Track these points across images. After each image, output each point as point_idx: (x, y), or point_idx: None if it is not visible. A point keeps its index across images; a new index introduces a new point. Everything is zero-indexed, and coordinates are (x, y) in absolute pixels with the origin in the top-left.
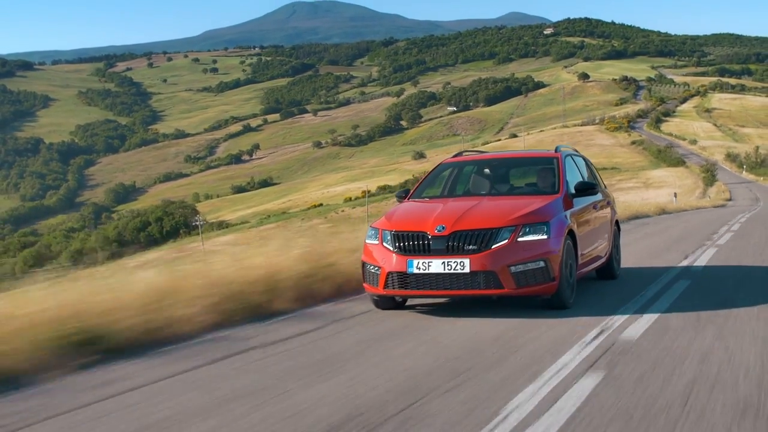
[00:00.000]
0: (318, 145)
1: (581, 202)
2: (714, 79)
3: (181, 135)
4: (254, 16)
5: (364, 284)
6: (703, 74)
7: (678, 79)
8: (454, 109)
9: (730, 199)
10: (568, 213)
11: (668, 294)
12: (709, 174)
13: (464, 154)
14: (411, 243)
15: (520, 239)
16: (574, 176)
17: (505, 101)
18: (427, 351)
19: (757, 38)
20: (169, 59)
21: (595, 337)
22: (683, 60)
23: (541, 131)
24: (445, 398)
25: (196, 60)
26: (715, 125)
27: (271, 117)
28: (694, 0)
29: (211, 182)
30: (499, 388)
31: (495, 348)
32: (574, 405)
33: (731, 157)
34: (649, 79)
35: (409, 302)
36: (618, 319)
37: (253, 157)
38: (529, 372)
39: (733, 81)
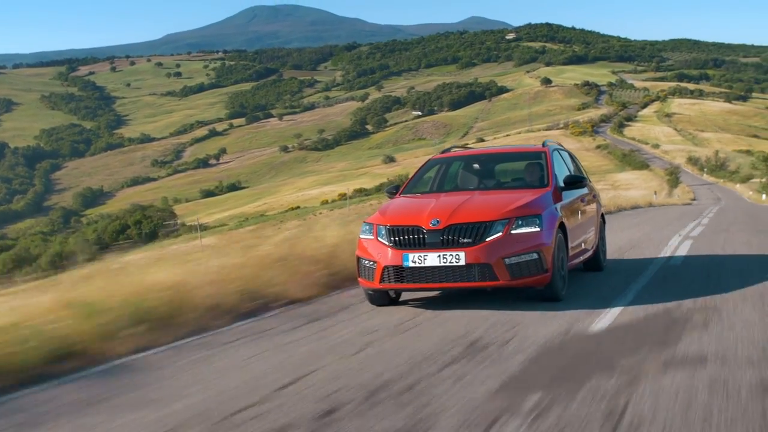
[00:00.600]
0: (285, 149)
1: (570, 196)
2: (673, 84)
3: (146, 139)
4: (215, 20)
5: (359, 279)
6: (662, 79)
7: (638, 84)
8: (419, 113)
9: (694, 199)
10: (558, 206)
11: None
12: (674, 177)
13: (453, 150)
14: (406, 237)
15: (513, 231)
16: (561, 170)
17: (469, 106)
18: None
19: (714, 44)
20: (132, 63)
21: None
22: (643, 65)
23: (507, 135)
24: None
25: (159, 64)
26: (676, 130)
27: (236, 121)
28: (653, 6)
29: (179, 186)
30: None
31: None
32: None
33: (692, 161)
34: (610, 84)
35: (403, 297)
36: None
37: (220, 161)
38: None
39: (691, 86)
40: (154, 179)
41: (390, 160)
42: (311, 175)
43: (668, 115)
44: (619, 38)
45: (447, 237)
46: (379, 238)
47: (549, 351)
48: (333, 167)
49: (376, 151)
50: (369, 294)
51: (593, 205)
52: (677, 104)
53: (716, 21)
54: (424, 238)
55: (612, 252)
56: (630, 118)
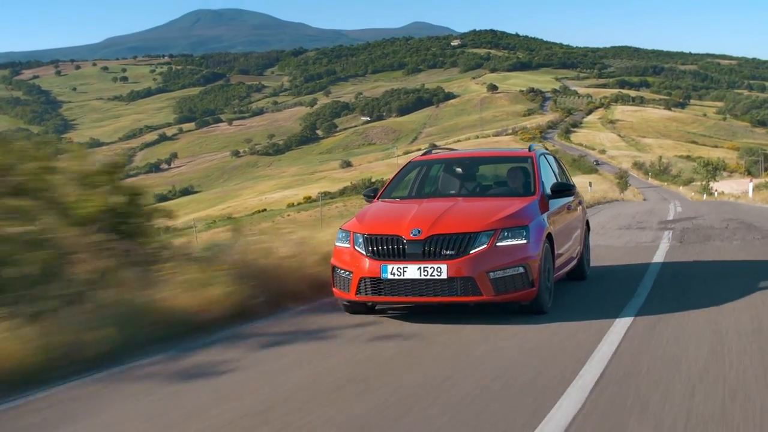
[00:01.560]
0: (236, 154)
1: (556, 204)
2: (615, 91)
3: (96, 144)
4: (157, 24)
5: (334, 289)
6: (604, 86)
7: (581, 90)
8: (368, 119)
9: (645, 199)
10: (545, 216)
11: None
12: (623, 180)
13: (433, 152)
14: (385, 247)
15: (499, 244)
16: (548, 177)
17: (417, 111)
18: None
19: (653, 51)
20: (78, 67)
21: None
22: (585, 72)
23: (457, 141)
24: None
25: (105, 68)
26: (620, 136)
27: (186, 126)
28: (594, 14)
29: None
30: None
31: None
32: None
33: (638, 165)
34: (555, 91)
35: (380, 306)
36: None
37: (172, 165)
38: None
39: (632, 93)
40: None
41: (347, 164)
42: (270, 179)
43: (612, 122)
44: (561, 45)
45: (429, 248)
46: (356, 247)
47: None
48: (284, 172)
49: (327, 156)
50: (344, 304)
51: (579, 212)
52: (620, 111)
53: (655, 29)
54: (404, 248)
55: (644, 212)
56: (576, 125)
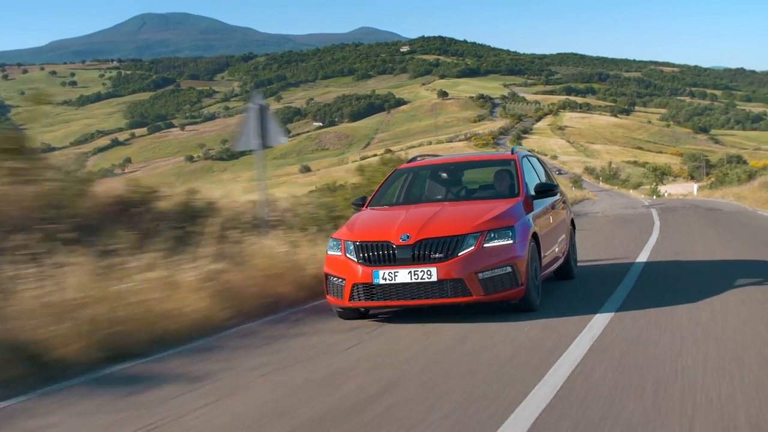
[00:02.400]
0: (190, 158)
1: (541, 204)
2: (562, 97)
3: (47, 149)
4: (103, 27)
5: (328, 296)
6: (551, 92)
7: (529, 97)
8: (320, 124)
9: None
10: (530, 216)
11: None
12: (578, 184)
13: (419, 159)
14: (376, 253)
15: (486, 245)
16: (532, 178)
17: (369, 117)
18: None
19: (598, 58)
20: (25, 71)
21: None
22: (533, 78)
23: (411, 147)
24: None
25: (54, 73)
26: (569, 142)
27: (138, 131)
28: (540, 21)
29: None
30: None
31: None
32: None
33: (589, 170)
34: (504, 97)
35: (372, 311)
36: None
37: (126, 170)
38: None
39: (579, 100)
40: None
41: (306, 169)
42: (231, 184)
43: (561, 128)
44: (509, 52)
45: (418, 252)
46: (347, 255)
47: None
48: (240, 176)
49: (281, 161)
50: (338, 311)
51: (564, 212)
52: (569, 118)
53: (600, 36)
54: (394, 254)
55: (622, 207)
56: (527, 131)
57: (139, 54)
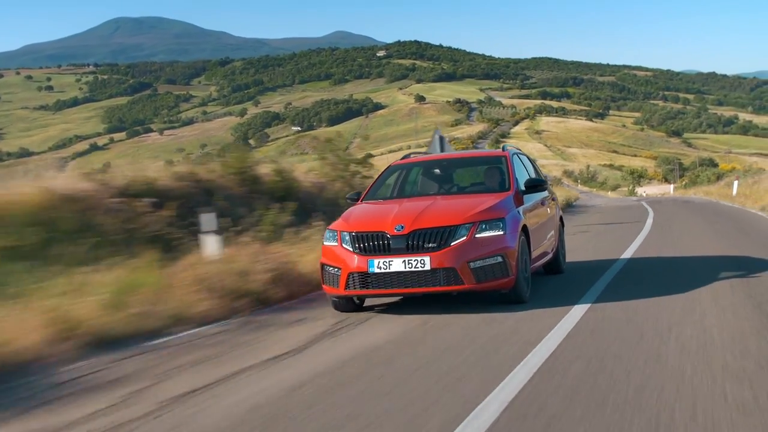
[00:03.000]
0: (171, 163)
1: (531, 199)
2: (538, 102)
3: (26, 153)
4: (77, 31)
5: (324, 286)
6: (527, 97)
7: (506, 101)
8: (299, 128)
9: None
10: (520, 209)
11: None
12: (559, 186)
13: (412, 156)
14: (371, 243)
15: (478, 235)
16: (522, 174)
17: (347, 122)
18: None
19: (573, 62)
20: (0, 76)
21: None
22: (508, 83)
23: (390, 151)
24: None
25: (29, 77)
26: (546, 146)
27: (117, 136)
28: (515, 25)
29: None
30: None
31: None
32: None
33: (567, 173)
34: (480, 102)
35: (367, 302)
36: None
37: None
38: None
39: (555, 104)
40: None
41: None
42: None
43: (538, 132)
44: (484, 56)
45: (412, 242)
46: (343, 245)
47: None
48: None
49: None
50: (334, 300)
51: (553, 208)
52: (545, 122)
53: (574, 41)
54: (388, 243)
55: (617, 201)
56: (504, 135)
57: (114, 58)
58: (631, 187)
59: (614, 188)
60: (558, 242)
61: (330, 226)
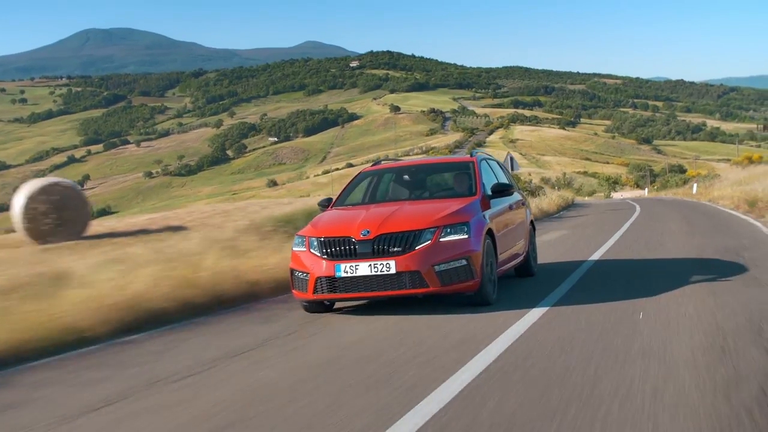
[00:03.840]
0: (149, 174)
1: (498, 203)
2: (511, 111)
3: (2, 166)
4: (46, 43)
5: (293, 290)
6: (499, 105)
7: (479, 110)
8: (276, 139)
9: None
10: (486, 213)
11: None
12: (539, 192)
13: (382, 162)
14: (338, 248)
15: (442, 239)
16: (489, 179)
17: (323, 132)
18: None
19: (543, 71)
20: None
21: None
22: (481, 92)
23: (366, 161)
24: None
25: (2, 90)
26: (521, 154)
27: (94, 148)
28: (486, 35)
29: None
30: None
31: None
32: None
33: (545, 180)
34: (454, 111)
35: (337, 305)
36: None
37: (85, 187)
38: None
39: (527, 113)
40: None
41: (274, 183)
42: (202, 198)
43: (512, 141)
44: (456, 66)
45: (377, 246)
46: (311, 250)
47: None
48: (200, 191)
49: (239, 176)
50: (304, 305)
51: (522, 212)
52: (519, 131)
53: (545, 49)
54: (355, 248)
55: (604, 201)
56: (480, 144)
57: (85, 69)
58: (607, 193)
59: (590, 194)
60: (529, 245)
61: (299, 232)
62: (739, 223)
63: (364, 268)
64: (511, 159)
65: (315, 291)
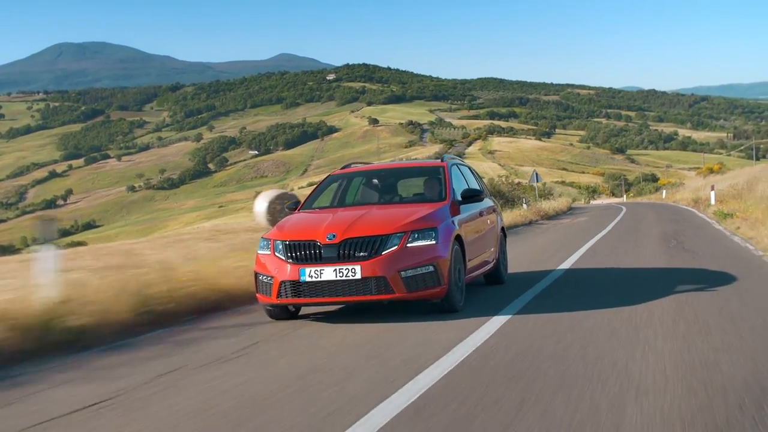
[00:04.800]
0: (132, 188)
1: (468, 209)
2: (487, 122)
3: None
4: (19, 57)
5: (257, 295)
6: (475, 117)
7: (456, 122)
8: (256, 152)
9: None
10: (455, 219)
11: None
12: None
13: (352, 165)
14: (303, 252)
15: (409, 245)
16: (460, 184)
17: (303, 145)
18: None
19: (518, 82)
20: None
21: None
22: (456, 104)
23: None
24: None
25: None
26: (500, 165)
27: (75, 163)
28: (459, 45)
29: (33, 226)
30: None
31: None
32: None
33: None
34: (431, 123)
35: (303, 311)
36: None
37: (68, 201)
38: None
39: (503, 124)
40: (3, 220)
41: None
42: (189, 212)
43: (491, 152)
44: (431, 78)
45: (343, 251)
46: (276, 254)
47: None
48: (183, 205)
49: (221, 189)
50: (268, 309)
51: (493, 219)
52: (497, 142)
53: (518, 60)
54: (320, 252)
55: (595, 205)
56: (461, 155)
57: (58, 83)
58: (586, 199)
59: (573, 200)
60: (499, 253)
61: (264, 235)
62: (684, 211)
63: (329, 273)
64: (536, 174)
65: (279, 295)
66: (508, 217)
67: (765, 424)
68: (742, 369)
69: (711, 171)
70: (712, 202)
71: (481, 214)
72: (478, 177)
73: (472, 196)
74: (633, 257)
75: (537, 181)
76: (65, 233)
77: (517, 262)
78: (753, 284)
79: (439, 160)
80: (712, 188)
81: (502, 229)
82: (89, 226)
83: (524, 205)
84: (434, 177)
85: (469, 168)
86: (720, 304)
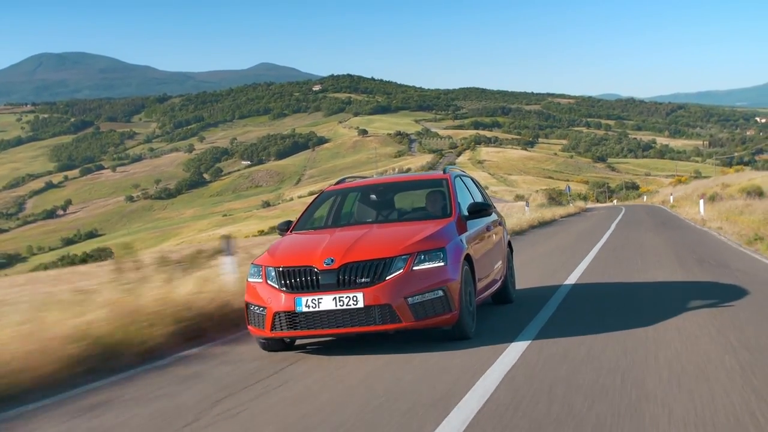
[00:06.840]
0: (131, 198)
1: (475, 225)
2: (472, 132)
3: None
4: None
5: (249, 327)
6: (460, 127)
7: (442, 132)
8: (249, 163)
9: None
10: (463, 237)
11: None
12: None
13: (347, 180)
14: (298, 279)
15: (416, 268)
16: (465, 198)
17: (295, 155)
18: None
19: (499, 92)
20: None
21: None
22: (441, 114)
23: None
24: None
25: None
26: (490, 174)
27: (70, 173)
28: (443, 56)
29: (36, 236)
30: None
31: None
32: None
33: (518, 197)
34: (418, 133)
35: (299, 341)
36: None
37: (68, 211)
38: None
39: (488, 134)
40: (5, 230)
41: (267, 204)
42: (199, 219)
43: (480, 162)
44: (415, 88)
45: (343, 277)
46: (268, 282)
47: None
48: (182, 214)
49: (218, 198)
50: (261, 342)
51: (499, 233)
52: (485, 152)
53: (499, 70)
54: (317, 279)
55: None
56: (452, 165)
57: (38, 94)
58: (572, 205)
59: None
60: (507, 270)
61: (254, 261)
62: (657, 207)
63: (328, 302)
64: (568, 187)
65: (273, 328)
66: (562, 210)
67: None
68: None
69: (679, 182)
70: (671, 201)
71: (488, 229)
72: (481, 189)
73: (479, 210)
74: (638, 223)
75: (569, 191)
76: (69, 242)
77: (585, 228)
78: (680, 229)
79: (441, 172)
80: (671, 194)
81: (509, 243)
82: (92, 235)
83: (570, 204)
84: (437, 191)
85: (472, 179)
86: (667, 236)
